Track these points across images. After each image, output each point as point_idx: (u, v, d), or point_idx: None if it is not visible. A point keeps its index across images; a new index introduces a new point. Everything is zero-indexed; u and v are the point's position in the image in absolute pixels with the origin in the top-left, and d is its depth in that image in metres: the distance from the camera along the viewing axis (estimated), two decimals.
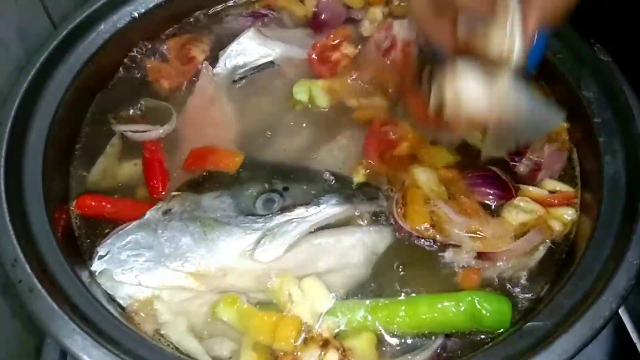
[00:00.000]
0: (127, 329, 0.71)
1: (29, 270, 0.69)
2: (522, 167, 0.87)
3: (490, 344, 0.71)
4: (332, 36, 1.01)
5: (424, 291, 0.77)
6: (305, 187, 0.84)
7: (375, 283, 0.78)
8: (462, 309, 0.72)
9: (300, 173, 0.87)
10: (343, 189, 0.84)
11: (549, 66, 0.95)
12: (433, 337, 0.73)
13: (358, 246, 0.80)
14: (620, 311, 0.84)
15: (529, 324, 0.70)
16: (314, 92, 0.95)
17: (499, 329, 0.73)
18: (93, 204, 0.85)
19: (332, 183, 0.85)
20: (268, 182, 0.85)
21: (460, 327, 0.73)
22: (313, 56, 0.99)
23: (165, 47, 1.02)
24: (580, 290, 0.71)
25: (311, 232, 0.79)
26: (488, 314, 0.72)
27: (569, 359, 0.64)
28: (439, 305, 0.73)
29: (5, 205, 0.73)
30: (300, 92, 0.95)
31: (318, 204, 0.81)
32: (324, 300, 0.75)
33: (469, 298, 0.73)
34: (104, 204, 0.85)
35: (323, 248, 0.79)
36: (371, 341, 0.73)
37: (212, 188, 0.85)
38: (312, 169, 0.88)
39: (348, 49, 1.00)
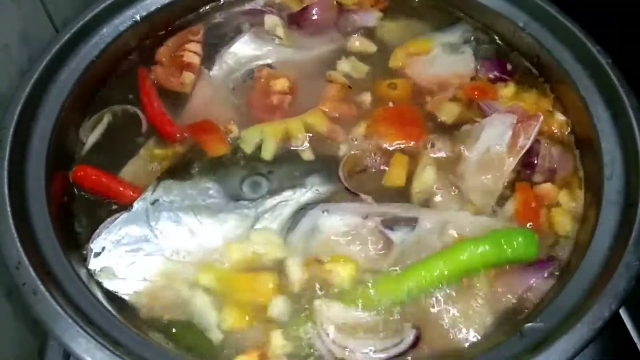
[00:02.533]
0: (131, 330, 0.71)
1: (32, 272, 0.70)
2: (537, 176, 0.86)
3: (490, 346, 0.71)
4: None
5: None
6: (288, 169, 0.87)
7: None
8: (492, 246, 0.77)
9: (282, 156, 0.89)
10: (325, 167, 0.87)
11: (549, 67, 0.95)
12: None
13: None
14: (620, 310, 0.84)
15: (528, 325, 0.70)
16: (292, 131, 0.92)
17: (529, 258, 0.77)
18: (87, 171, 0.86)
19: (314, 163, 0.88)
20: (251, 166, 0.88)
21: (497, 263, 0.77)
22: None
23: (157, 58, 1.01)
24: (579, 291, 0.71)
25: (315, 210, 0.81)
26: (517, 247, 0.77)
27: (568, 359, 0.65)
28: (479, 250, 0.76)
29: (8, 209, 0.74)
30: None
31: (304, 185, 0.85)
32: (273, 235, 0.80)
33: (496, 236, 0.77)
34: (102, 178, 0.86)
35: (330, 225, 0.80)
36: (351, 268, 0.76)
37: (195, 174, 0.87)
38: (292, 151, 0.90)
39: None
